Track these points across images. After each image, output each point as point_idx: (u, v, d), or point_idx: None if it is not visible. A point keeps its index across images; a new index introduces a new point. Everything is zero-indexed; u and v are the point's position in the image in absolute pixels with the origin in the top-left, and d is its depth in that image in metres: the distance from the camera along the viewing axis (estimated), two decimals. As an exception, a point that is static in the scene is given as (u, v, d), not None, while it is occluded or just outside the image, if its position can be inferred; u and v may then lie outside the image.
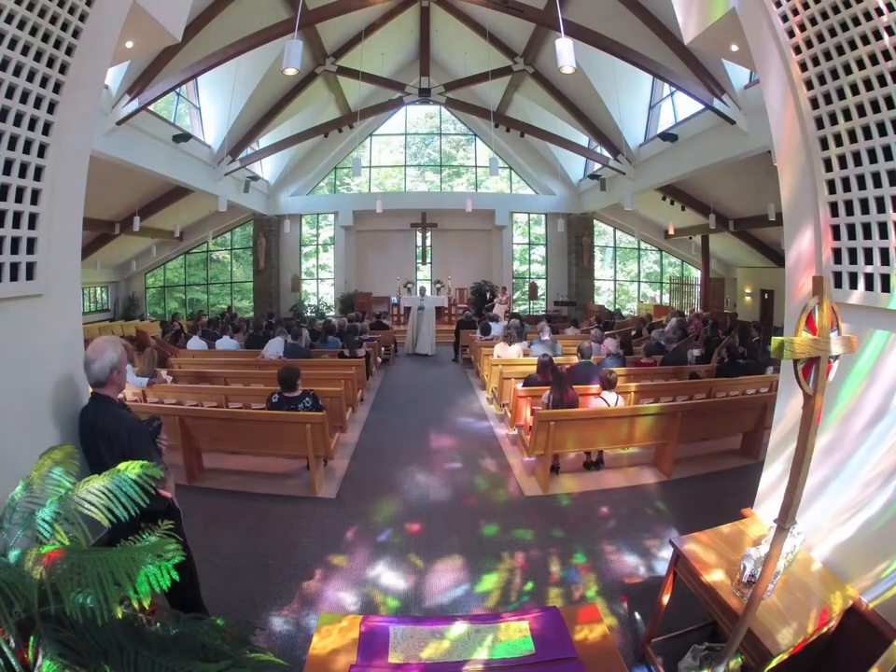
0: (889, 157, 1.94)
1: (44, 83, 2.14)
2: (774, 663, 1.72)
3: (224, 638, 1.48)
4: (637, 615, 2.68)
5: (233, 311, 13.44)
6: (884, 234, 1.98)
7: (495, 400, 6.69)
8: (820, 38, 2.11)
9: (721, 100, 7.72)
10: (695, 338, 8.69)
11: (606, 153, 11.95)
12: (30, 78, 2.06)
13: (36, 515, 1.42)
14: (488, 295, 13.98)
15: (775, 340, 1.40)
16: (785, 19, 2.25)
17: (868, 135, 2.00)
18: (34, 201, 2.16)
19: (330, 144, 14.86)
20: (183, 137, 9.74)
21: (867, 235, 2.05)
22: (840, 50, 2.04)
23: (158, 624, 1.39)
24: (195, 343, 8.17)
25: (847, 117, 2.07)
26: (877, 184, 1.99)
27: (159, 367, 5.90)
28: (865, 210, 2.05)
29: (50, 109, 2.19)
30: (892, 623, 1.81)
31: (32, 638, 1.15)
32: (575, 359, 5.90)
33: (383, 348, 9.95)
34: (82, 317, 2.79)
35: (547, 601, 2.83)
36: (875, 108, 1.95)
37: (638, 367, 6.49)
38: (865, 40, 1.94)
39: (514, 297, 15.92)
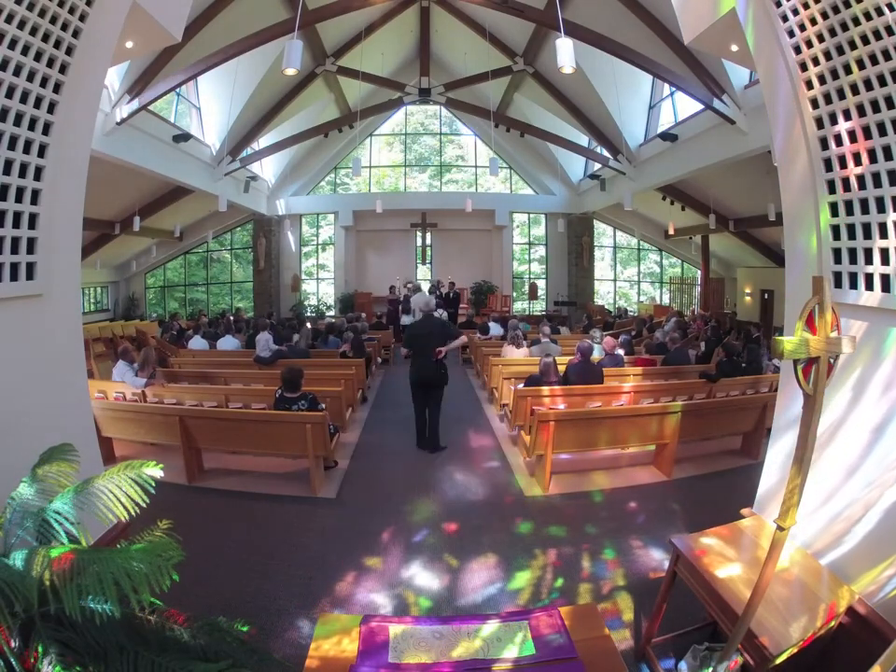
0: (888, 157, 1.94)
1: (44, 83, 2.14)
2: (778, 661, 1.72)
3: (224, 638, 1.48)
4: (637, 615, 2.68)
5: (232, 312, 13.39)
6: (884, 234, 1.98)
7: (495, 400, 6.69)
8: (820, 38, 2.11)
9: (721, 100, 7.72)
10: (695, 338, 8.70)
11: (606, 153, 11.95)
12: (30, 78, 2.06)
13: (37, 515, 1.42)
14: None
15: (781, 340, 1.40)
16: (785, 19, 2.25)
17: (868, 135, 2.00)
18: (34, 201, 2.16)
19: (330, 144, 14.85)
20: (183, 137, 9.74)
21: (867, 235, 2.05)
22: (840, 50, 2.04)
23: (158, 624, 1.39)
24: (196, 342, 8.20)
25: (847, 117, 2.07)
26: (877, 184, 1.99)
27: (160, 366, 5.92)
28: (865, 210, 2.05)
29: (50, 109, 2.19)
30: (893, 623, 1.81)
31: (38, 643, 1.16)
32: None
33: (383, 348, 9.96)
34: (82, 317, 2.79)
35: (546, 601, 2.83)
36: (875, 108, 1.95)
37: (641, 365, 6.53)
38: (865, 40, 1.94)
39: (514, 297, 15.93)
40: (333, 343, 7.94)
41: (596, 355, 6.33)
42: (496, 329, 9.37)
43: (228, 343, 8.15)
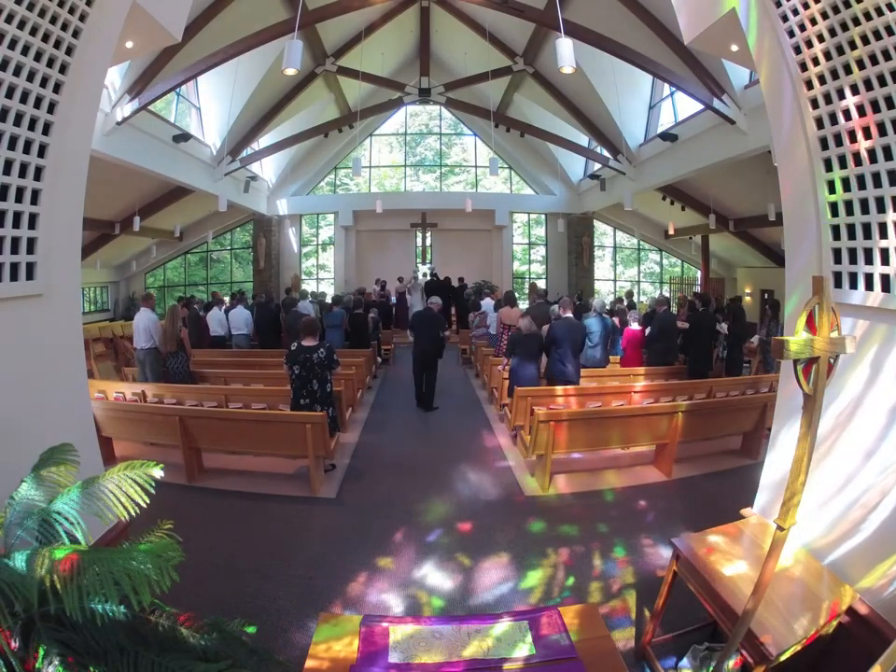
0: (888, 157, 1.94)
1: (44, 83, 2.14)
2: (778, 661, 1.72)
3: (224, 638, 1.48)
4: (637, 615, 2.68)
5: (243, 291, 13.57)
6: (884, 234, 1.98)
7: (495, 401, 6.70)
8: (820, 38, 2.11)
9: (721, 100, 7.71)
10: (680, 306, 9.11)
11: (606, 153, 11.94)
12: (30, 78, 2.06)
13: (37, 515, 1.42)
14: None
15: (786, 340, 1.40)
16: (785, 19, 2.25)
17: (868, 135, 2.00)
18: (34, 201, 2.16)
19: (330, 144, 14.85)
20: (183, 137, 9.73)
21: (867, 235, 2.05)
22: (840, 50, 2.04)
23: (158, 624, 1.39)
24: (215, 314, 8.92)
25: (847, 117, 2.07)
26: (877, 184, 1.99)
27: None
28: (865, 210, 2.05)
29: (50, 109, 2.19)
30: (892, 624, 1.81)
31: (41, 645, 1.15)
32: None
33: (383, 347, 9.99)
34: (82, 317, 2.79)
35: (558, 600, 2.83)
36: (875, 108, 1.95)
37: (630, 336, 6.82)
38: (865, 40, 1.94)
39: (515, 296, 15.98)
40: (338, 314, 8.52)
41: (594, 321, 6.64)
42: (488, 305, 9.53)
43: (239, 313, 8.95)
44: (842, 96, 2.07)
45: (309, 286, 16.27)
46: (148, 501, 1.46)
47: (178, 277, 16.26)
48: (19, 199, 2.09)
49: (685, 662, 2.23)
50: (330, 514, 3.87)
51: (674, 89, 9.37)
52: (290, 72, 5.40)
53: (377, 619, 2.07)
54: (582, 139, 12.77)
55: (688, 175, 10.00)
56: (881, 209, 1.99)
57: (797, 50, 2.23)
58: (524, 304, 16.10)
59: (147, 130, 8.64)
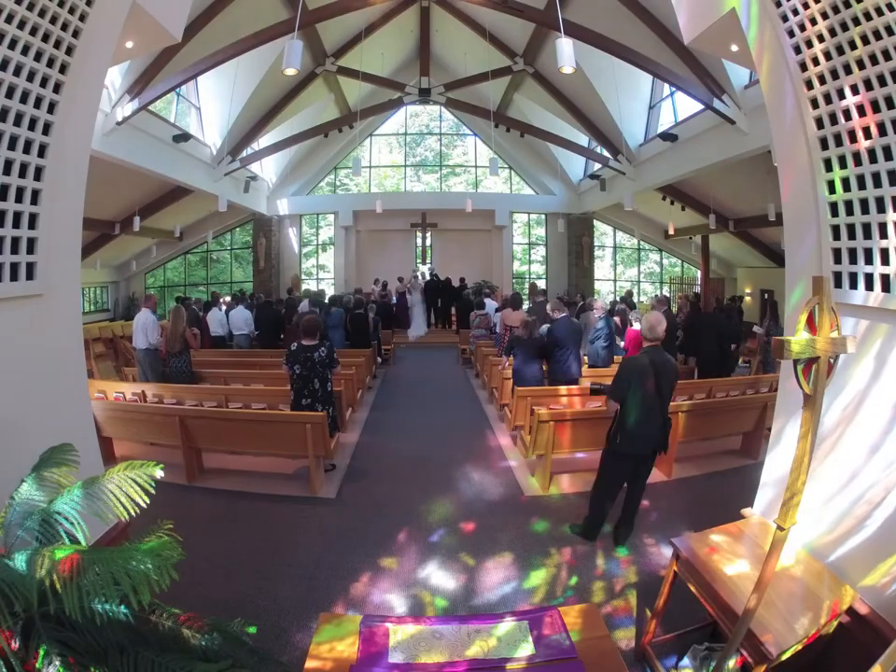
0: (888, 157, 1.94)
1: (44, 83, 2.14)
2: (782, 659, 1.72)
3: (224, 638, 1.48)
4: (638, 615, 2.68)
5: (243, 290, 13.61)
6: (884, 234, 1.98)
7: (495, 401, 6.70)
8: (820, 39, 2.11)
9: (720, 100, 7.72)
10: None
11: (606, 153, 11.95)
12: (30, 78, 2.06)
13: (37, 515, 1.42)
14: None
15: (788, 340, 1.40)
16: (785, 19, 2.25)
17: (868, 135, 2.00)
18: (34, 201, 2.17)
19: (330, 144, 14.86)
20: (183, 137, 9.73)
21: (867, 235, 2.05)
22: (840, 50, 2.04)
23: (158, 624, 1.39)
24: (215, 314, 9.05)
25: (847, 117, 2.07)
26: (877, 184, 1.99)
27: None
28: (865, 210, 2.05)
29: (50, 109, 2.20)
30: (892, 624, 1.81)
31: (41, 645, 1.15)
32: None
33: (383, 347, 9.99)
34: (82, 317, 2.79)
35: (561, 599, 2.83)
36: (875, 108, 1.95)
37: (632, 336, 6.71)
38: (865, 40, 1.94)
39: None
40: (337, 314, 8.46)
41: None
42: (490, 306, 9.57)
43: (240, 313, 8.90)
44: (842, 96, 2.07)
45: (309, 286, 16.28)
46: (148, 501, 1.46)
47: (178, 277, 16.27)
48: (19, 199, 2.09)
49: (685, 662, 2.23)
50: (330, 514, 3.87)
51: (674, 89, 9.38)
52: (290, 72, 5.41)
53: (378, 619, 2.07)
54: (582, 139, 12.77)
55: (688, 175, 10.01)
56: (881, 209, 1.99)
57: (797, 50, 2.23)
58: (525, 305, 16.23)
59: (147, 130, 8.64)
